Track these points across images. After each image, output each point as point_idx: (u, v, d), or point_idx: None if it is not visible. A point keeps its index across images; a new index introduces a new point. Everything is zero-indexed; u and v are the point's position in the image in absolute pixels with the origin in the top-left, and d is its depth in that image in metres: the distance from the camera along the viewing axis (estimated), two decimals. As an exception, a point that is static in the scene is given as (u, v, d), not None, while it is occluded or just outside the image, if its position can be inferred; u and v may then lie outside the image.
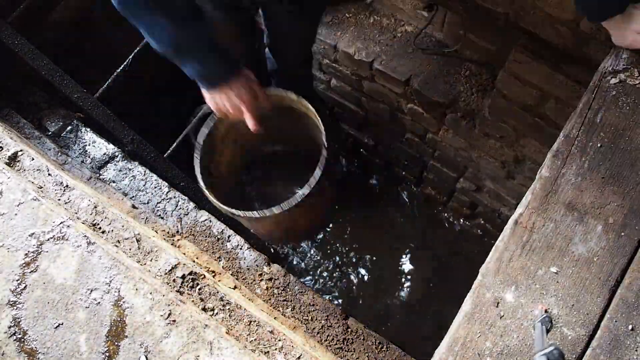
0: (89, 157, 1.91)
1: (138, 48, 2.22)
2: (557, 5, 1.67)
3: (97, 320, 1.19)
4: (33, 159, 1.50)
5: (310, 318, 1.56)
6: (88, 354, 1.16)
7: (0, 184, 1.34)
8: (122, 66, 2.20)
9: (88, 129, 1.97)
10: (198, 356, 1.16)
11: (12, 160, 1.49)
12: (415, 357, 1.54)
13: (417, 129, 2.66)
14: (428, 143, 2.71)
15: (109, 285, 1.22)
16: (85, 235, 1.28)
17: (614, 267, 1.03)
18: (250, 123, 1.60)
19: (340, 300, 2.95)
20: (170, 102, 2.88)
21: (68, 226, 1.29)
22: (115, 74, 2.18)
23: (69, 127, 1.97)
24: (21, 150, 1.51)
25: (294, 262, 3.08)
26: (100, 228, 1.42)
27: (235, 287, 1.54)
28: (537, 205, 1.12)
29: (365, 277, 3.03)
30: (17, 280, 1.23)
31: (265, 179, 2.66)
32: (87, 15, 2.30)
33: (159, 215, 1.77)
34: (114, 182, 1.85)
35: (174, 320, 1.19)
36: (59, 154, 1.85)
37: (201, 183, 1.88)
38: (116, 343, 1.17)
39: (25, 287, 1.23)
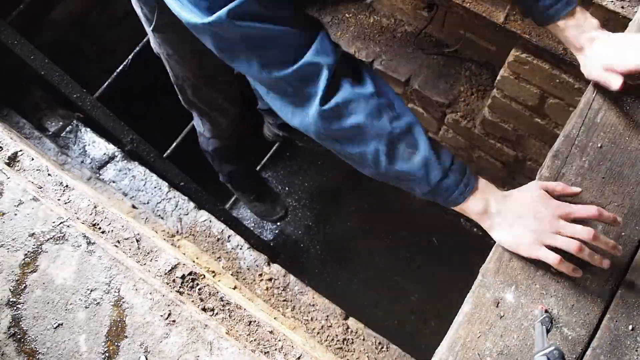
0: (89, 157, 1.91)
1: (138, 48, 2.23)
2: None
3: (96, 321, 1.19)
4: (33, 159, 1.50)
5: (310, 318, 1.56)
6: (88, 354, 1.16)
7: (0, 184, 1.34)
8: (122, 66, 2.20)
9: (88, 129, 1.97)
10: (198, 356, 1.15)
11: (12, 160, 1.49)
12: (416, 357, 1.54)
13: (417, 129, 2.66)
14: (428, 143, 2.71)
15: (109, 286, 1.22)
16: (85, 235, 1.28)
17: (614, 267, 1.03)
18: None
19: (339, 301, 2.95)
20: (170, 102, 2.88)
21: (68, 226, 1.29)
22: (115, 74, 2.19)
23: (69, 127, 1.97)
24: (21, 150, 1.51)
25: (292, 260, 3.08)
26: (100, 228, 1.42)
27: (235, 287, 1.54)
28: (537, 205, 1.11)
29: (365, 277, 3.03)
30: (16, 280, 1.23)
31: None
32: (87, 15, 2.30)
33: (159, 215, 1.77)
34: (113, 182, 1.85)
35: (174, 321, 1.19)
36: (59, 154, 1.85)
37: None
38: (116, 343, 1.17)
39: (25, 287, 1.23)
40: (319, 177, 3.35)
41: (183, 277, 1.35)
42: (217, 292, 1.36)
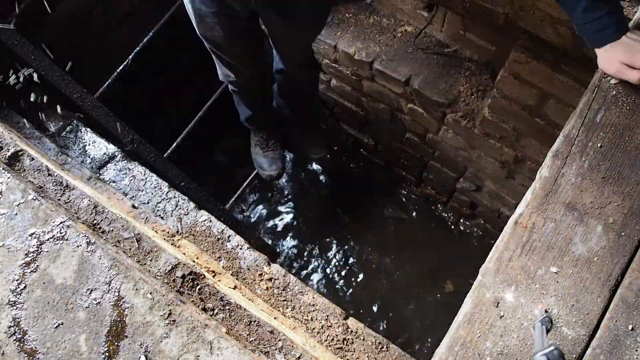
0: (89, 157, 1.91)
1: (138, 48, 2.23)
2: (557, 5, 1.67)
3: (97, 320, 1.19)
4: (33, 159, 1.50)
5: (310, 318, 1.56)
6: (88, 354, 1.16)
7: (0, 184, 1.34)
8: (122, 66, 2.20)
9: (88, 129, 1.97)
10: (198, 356, 1.16)
11: (12, 160, 1.49)
12: (416, 357, 1.54)
13: (417, 129, 2.66)
14: (428, 143, 2.71)
15: (109, 285, 1.22)
16: (85, 235, 1.28)
17: (614, 267, 1.03)
18: None
19: (339, 300, 2.95)
20: (170, 102, 2.89)
21: (68, 226, 1.29)
22: (115, 74, 2.18)
23: (69, 127, 1.97)
24: (21, 150, 1.51)
25: (292, 260, 3.08)
26: (100, 228, 1.42)
27: (235, 287, 1.54)
28: (537, 205, 1.12)
29: (366, 277, 3.03)
30: (17, 280, 1.23)
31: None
32: (87, 15, 2.30)
33: (159, 215, 1.77)
34: (114, 182, 1.85)
35: (174, 320, 1.19)
36: (59, 154, 1.85)
37: None
38: (116, 343, 1.17)
39: (25, 287, 1.23)
40: (319, 186, 3.35)
41: (183, 277, 1.35)
42: (217, 292, 1.36)
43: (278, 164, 2.65)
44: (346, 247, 3.11)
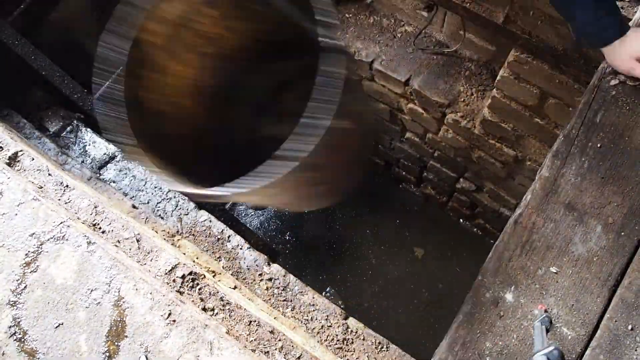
0: (89, 157, 1.91)
1: (138, 48, 2.22)
2: (557, 6, 1.67)
3: (97, 320, 1.19)
4: (33, 159, 1.50)
5: (310, 318, 1.56)
6: (88, 354, 1.16)
7: (0, 184, 1.34)
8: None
9: (88, 129, 1.97)
10: (198, 356, 1.16)
11: (12, 160, 1.49)
12: (416, 357, 1.54)
13: (417, 129, 2.66)
14: (428, 143, 2.71)
15: (109, 285, 1.22)
16: (86, 235, 1.28)
17: (613, 267, 1.03)
18: None
19: (339, 300, 2.95)
20: (170, 102, 2.88)
21: (68, 226, 1.29)
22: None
23: (69, 127, 1.97)
24: (21, 150, 1.51)
25: (292, 260, 3.08)
26: (100, 228, 1.42)
27: (235, 287, 1.54)
28: (537, 205, 1.12)
29: (365, 277, 3.03)
30: (17, 280, 1.23)
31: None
32: (87, 15, 2.30)
33: (159, 215, 1.77)
34: (114, 182, 1.85)
35: (174, 320, 1.19)
36: (59, 154, 1.85)
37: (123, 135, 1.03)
38: (116, 343, 1.17)
39: (25, 287, 1.23)
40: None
41: (183, 277, 1.35)
42: (217, 292, 1.36)
43: None
44: (347, 245, 3.11)
